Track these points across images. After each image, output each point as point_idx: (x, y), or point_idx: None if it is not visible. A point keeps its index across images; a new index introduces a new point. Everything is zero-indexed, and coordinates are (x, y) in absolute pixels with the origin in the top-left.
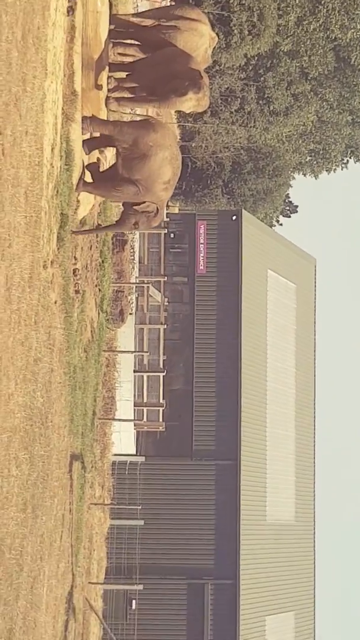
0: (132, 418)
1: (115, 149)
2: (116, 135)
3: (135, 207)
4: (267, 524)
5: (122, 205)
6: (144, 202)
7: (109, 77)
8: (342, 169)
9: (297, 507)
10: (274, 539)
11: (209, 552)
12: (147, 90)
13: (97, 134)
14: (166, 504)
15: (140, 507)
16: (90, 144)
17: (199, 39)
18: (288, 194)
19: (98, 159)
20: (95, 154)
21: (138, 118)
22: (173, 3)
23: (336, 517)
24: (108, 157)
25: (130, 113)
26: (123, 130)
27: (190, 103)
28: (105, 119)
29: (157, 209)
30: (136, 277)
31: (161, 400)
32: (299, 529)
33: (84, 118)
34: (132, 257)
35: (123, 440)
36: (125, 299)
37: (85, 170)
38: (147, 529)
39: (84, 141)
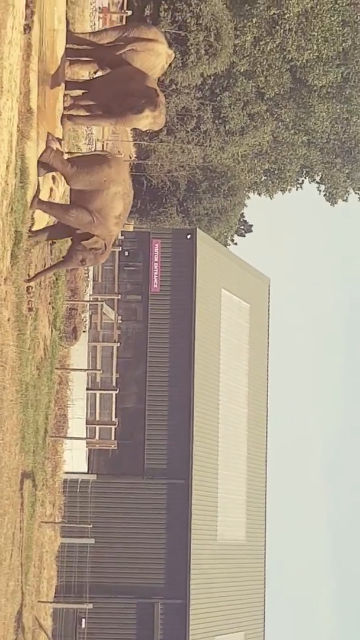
0: (84, 436)
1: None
2: (71, 180)
3: (83, 243)
4: (217, 543)
5: (71, 240)
6: (93, 237)
7: (65, 95)
8: (297, 189)
9: (248, 527)
10: (224, 559)
11: (159, 572)
12: (103, 108)
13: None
14: (117, 522)
15: (91, 526)
16: (45, 167)
17: (155, 59)
18: (243, 213)
19: (53, 178)
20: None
21: (94, 152)
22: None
23: (287, 536)
24: (61, 190)
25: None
26: (78, 173)
27: (147, 120)
28: (62, 139)
29: (105, 245)
30: (90, 295)
31: (113, 418)
32: (249, 549)
33: (46, 149)
34: (86, 275)
35: (75, 458)
36: (78, 317)
37: (40, 189)
38: (97, 547)
39: (39, 162)
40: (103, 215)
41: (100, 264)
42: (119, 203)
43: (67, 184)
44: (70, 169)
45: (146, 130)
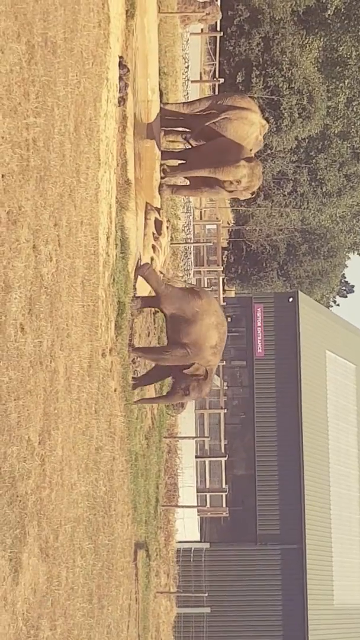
0: (195, 504)
1: (161, 311)
2: (163, 300)
3: (184, 371)
4: (335, 608)
5: (172, 377)
6: (193, 365)
7: (161, 165)
8: None
9: None
10: (342, 623)
11: (277, 638)
12: (200, 179)
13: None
14: (232, 590)
15: (206, 594)
16: (141, 301)
17: (249, 128)
18: (344, 274)
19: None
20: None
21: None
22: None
23: None
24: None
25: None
26: (170, 295)
27: (244, 170)
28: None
29: (207, 371)
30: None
31: (224, 486)
32: None
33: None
34: None
35: (187, 527)
36: None
37: (133, 333)
38: (214, 616)
39: (135, 296)
40: (198, 346)
41: (204, 395)
42: (213, 333)
43: (159, 305)
44: (164, 289)
45: (244, 192)
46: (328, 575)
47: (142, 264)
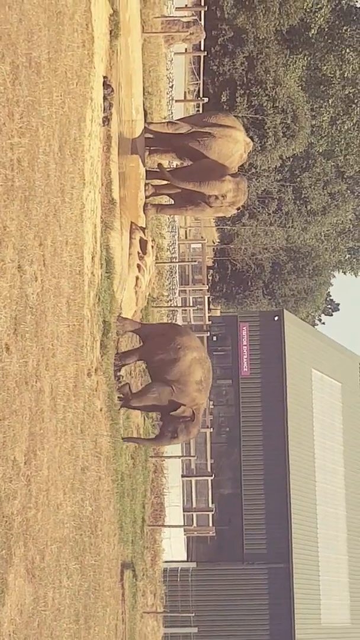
0: (182, 524)
1: (140, 355)
2: (143, 329)
3: (171, 414)
4: (322, 626)
5: (160, 419)
6: (180, 407)
7: (146, 184)
8: None
9: (352, 609)
10: None
11: None
12: (185, 198)
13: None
14: (219, 609)
15: (193, 614)
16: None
17: (233, 146)
18: (329, 292)
19: (127, 384)
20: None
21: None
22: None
23: None
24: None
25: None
26: (150, 334)
27: (229, 185)
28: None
29: (194, 412)
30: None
31: (210, 505)
32: (355, 631)
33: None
34: None
35: (173, 546)
36: None
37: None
38: (201, 636)
39: (120, 316)
40: (182, 382)
41: (193, 436)
42: (196, 368)
43: (142, 343)
44: (143, 329)
45: (229, 207)
46: (315, 594)
47: (117, 317)
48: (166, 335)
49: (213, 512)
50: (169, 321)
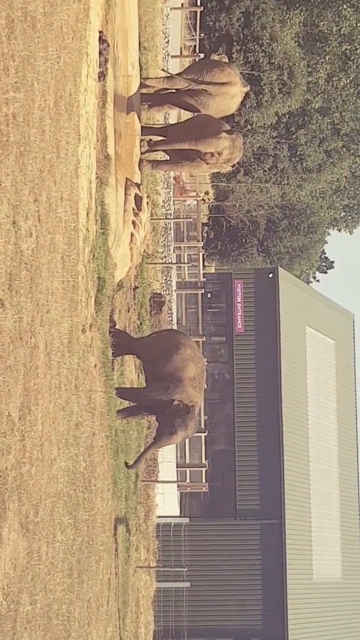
0: (175, 479)
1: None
2: (140, 352)
3: (165, 412)
4: (313, 582)
5: (156, 420)
6: (173, 402)
7: (141, 141)
8: None
9: (343, 565)
10: (321, 598)
11: (256, 612)
12: (180, 154)
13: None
14: (212, 564)
15: (186, 569)
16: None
17: (230, 101)
18: (324, 250)
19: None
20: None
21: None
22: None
23: None
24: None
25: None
26: (144, 345)
27: (226, 142)
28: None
29: (188, 406)
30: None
31: (203, 461)
32: (346, 587)
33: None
34: (170, 318)
35: (167, 502)
36: None
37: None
38: (193, 590)
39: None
40: (177, 378)
41: (191, 431)
42: (190, 365)
43: (138, 357)
44: (137, 343)
45: (225, 164)
46: (307, 550)
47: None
48: (162, 336)
49: (206, 468)
50: (164, 277)
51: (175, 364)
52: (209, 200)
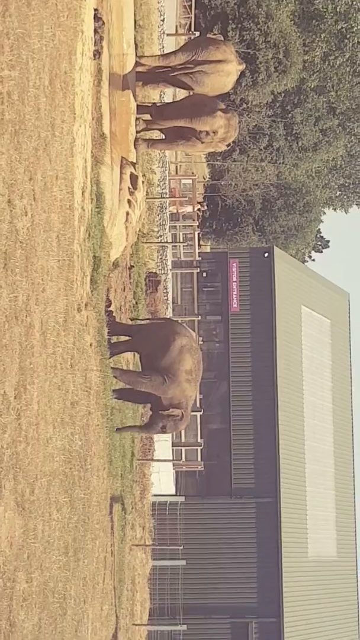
0: (171, 458)
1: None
2: (134, 331)
3: (162, 413)
4: (308, 560)
5: (150, 409)
6: (170, 409)
7: (137, 119)
8: None
9: (338, 543)
10: (316, 575)
11: (251, 591)
12: (175, 133)
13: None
14: (207, 543)
15: (181, 547)
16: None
17: (225, 78)
18: (319, 229)
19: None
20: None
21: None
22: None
23: None
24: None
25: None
26: (141, 332)
27: (221, 121)
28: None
29: (183, 413)
30: (170, 317)
31: (199, 440)
32: (341, 564)
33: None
34: (166, 297)
35: (162, 480)
36: None
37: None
38: (189, 569)
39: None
40: (173, 372)
41: (180, 430)
42: (186, 356)
43: (135, 349)
44: (135, 329)
45: (220, 143)
46: (302, 528)
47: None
48: (158, 325)
49: (202, 447)
50: (159, 256)
51: (171, 357)
52: (205, 179)
